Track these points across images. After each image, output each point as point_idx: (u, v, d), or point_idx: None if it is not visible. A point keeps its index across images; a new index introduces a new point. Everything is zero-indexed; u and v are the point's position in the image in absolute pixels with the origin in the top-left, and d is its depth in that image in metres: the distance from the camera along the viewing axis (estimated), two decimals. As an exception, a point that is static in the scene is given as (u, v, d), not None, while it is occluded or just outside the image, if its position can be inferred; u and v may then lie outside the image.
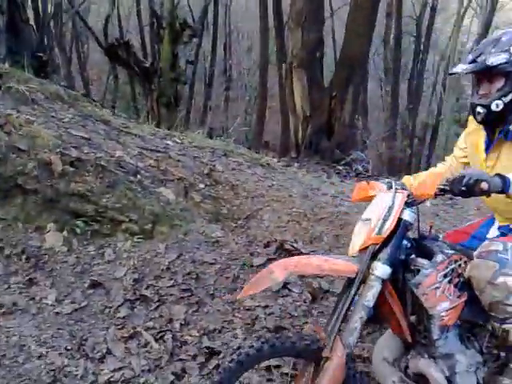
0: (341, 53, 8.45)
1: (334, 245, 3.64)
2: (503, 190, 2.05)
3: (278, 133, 12.42)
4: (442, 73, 18.79)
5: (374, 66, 19.50)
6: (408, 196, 2.11)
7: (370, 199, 2.29)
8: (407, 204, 2.10)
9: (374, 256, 2.03)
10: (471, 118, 2.49)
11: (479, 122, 2.35)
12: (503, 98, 2.22)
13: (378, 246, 2.03)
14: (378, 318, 2.16)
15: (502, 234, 2.44)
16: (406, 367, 2.25)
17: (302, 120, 7.79)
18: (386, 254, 2.03)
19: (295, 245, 3.55)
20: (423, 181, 2.19)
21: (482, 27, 16.97)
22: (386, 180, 2.42)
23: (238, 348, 2.66)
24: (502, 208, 2.39)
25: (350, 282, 2.05)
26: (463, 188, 1.98)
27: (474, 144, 2.48)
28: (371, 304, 2.00)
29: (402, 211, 2.06)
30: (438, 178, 2.12)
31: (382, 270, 2.01)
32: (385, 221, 2.04)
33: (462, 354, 2.16)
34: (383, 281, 2.02)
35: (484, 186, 1.99)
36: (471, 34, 20.50)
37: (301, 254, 3.50)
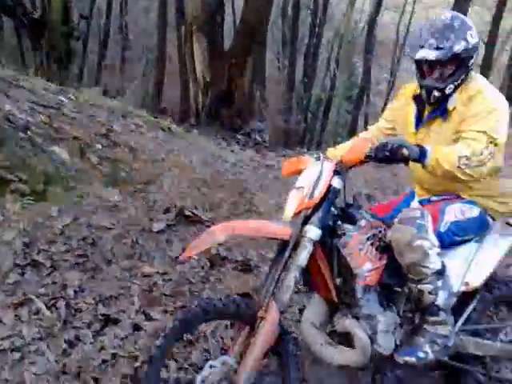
0: (240, 20, 8.38)
1: (233, 212, 3.66)
2: (420, 159, 2.22)
3: (177, 98, 12.14)
4: (336, 49, 19.30)
5: (272, 38, 19.61)
6: (336, 164, 2.23)
7: (298, 172, 2.41)
8: (335, 172, 2.23)
9: (306, 220, 2.15)
10: (400, 93, 2.67)
11: (430, 104, 2.48)
12: (455, 82, 2.39)
13: (309, 211, 2.15)
14: (307, 281, 2.33)
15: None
16: (332, 331, 2.40)
17: (202, 86, 7.67)
18: (317, 217, 2.15)
19: (195, 211, 3.53)
20: (353, 146, 2.30)
21: (373, 6, 17.60)
22: (315, 154, 2.53)
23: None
24: (426, 179, 2.53)
25: (283, 246, 2.16)
26: (387, 153, 2.15)
27: (404, 119, 2.63)
28: (304, 264, 2.12)
29: (331, 178, 2.20)
30: (367, 143, 2.24)
31: (313, 232, 2.13)
32: (316, 187, 2.18)
33: (382, 316, 2.34)
34: (314, 243, 2.14)
35: (405, 152, 2.16)
36: (363, 14, 21.18)
37: (200, 220, 3.50)
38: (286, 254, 2.12)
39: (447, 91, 2.40)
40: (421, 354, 2.36)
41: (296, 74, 18.07)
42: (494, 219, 2.57)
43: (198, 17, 8.10)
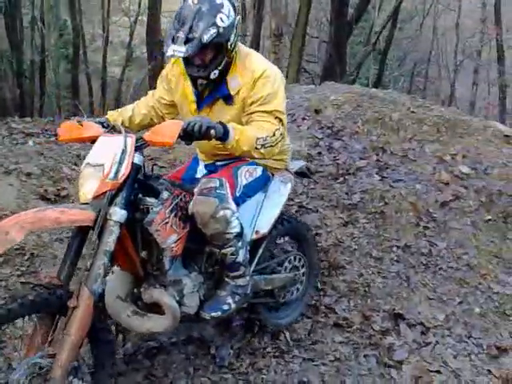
0: None
1: None
2: (223, 138, 2.21)
3: None
4: (38, 7, 17.76)
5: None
6: (137, 140, 2.13)
7: (82, 140, 2.27)
8: (136, 148, 2.11)
9: (110, 201, 2.06)
10: (173, 68, 2.61)
11: (203, 89, 2.49)
12: (218, 67, 2.36)
13: (114, 192, 2.06)
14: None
15: (210, 172, 2.67)
16: (137, 299, 2.38)
17: None
18: (121, 198, 2.08)
19: None
20: (162, 128, 2.15)
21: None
22: (98, 119, 2.42)
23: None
24: (207, 147, 2.59)
25: (80, 229, 2.05)
26: (195, 134, 2.10)
27: (182, 92, 2.57)
28: (112, 248, 2.05)
29: (133, 155, 2.08)
30: (177, 126, 2.10)
31: (119, 214, 2.06)
32: (120, 166, 2.06)
33: (187, 278, 2.38)
34: (121, 225, 2.07)
35: (213, 132, 2.14)
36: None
37: None
38: (94, 239, 2.06)
39: (212, 77, 2.37)
40: (225, 307, 2.51)
41: (3, 39, 16.18)
42: (272, 175, 2.79)
43: None
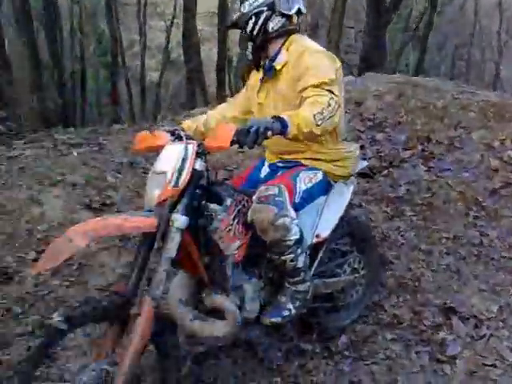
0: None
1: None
2: (282, 132, 2.18)
3: None
4: (77, 17, 18.19)
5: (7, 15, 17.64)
6: (198, 146, 2.14)
7: (155, 149, 2.28)
8: (197, 154, 2.13)
9: (171, 208, 2.08)
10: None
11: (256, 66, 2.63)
12: (247, 49, 2.56)
13: (175, 198, 2.08)
14: (173, 262, 2.18)
15: (272, 171, 2.70)
16: (199, 303, 2.40)
17: None
18: (183, 204, 2.10)
19: None
20: (217, 133, 2.15)
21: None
22: (169, 128, 2.45)
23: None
24: (275, 142, 2.54)
25: (145, 236, 2.07)
26: (253, 138, 2.07)
27: (252, 83, 2.72)
28: (174, 255, 2.06)
29: (194, 162, 2.09)
30: (232, 130, 2.09)
31: (180, 221, 2.07)
32: (180, 173, 2.08)
33: (248, 284, 2.39)
34: (182, 231, 2.08)
35: (269, 134, 2.11)
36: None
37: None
38: (156, 246, 2.04)
39: (249, 57, 2.57)
40: (285, 313, 2.48)
41: (44, 50, 16.64)
42: (335, 181, 2.72)
43: None
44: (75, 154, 4.38)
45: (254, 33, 2.53)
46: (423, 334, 3.12)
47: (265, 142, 2.52)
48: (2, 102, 7.90)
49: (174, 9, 18.44)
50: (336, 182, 2.75)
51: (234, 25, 2.63)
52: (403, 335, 3.12)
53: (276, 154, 2.75)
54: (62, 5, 17.96)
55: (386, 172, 4.31)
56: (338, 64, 2.54)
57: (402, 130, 4.77)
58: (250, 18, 2.51)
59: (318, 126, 2.24)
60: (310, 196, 2.59)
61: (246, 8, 2.51)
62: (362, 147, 4.53)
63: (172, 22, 18.78)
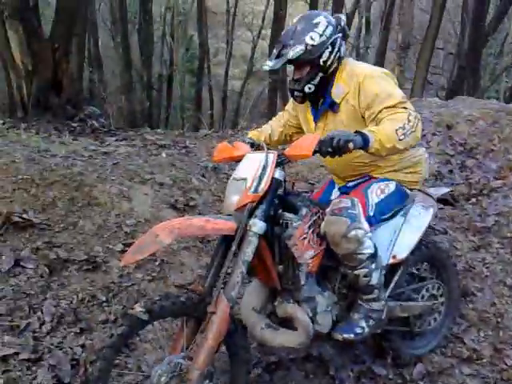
0: (57, 2, 7.72)
1: (70, 209, 3.38)
2: (364, 147, 2.20)
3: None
4: (169, 23, 18.84)
5: (101, 16, 18.60)
6: (278, 156, 2.22)
7: (233, 159, 2.39)
8: (277, 164, 2.21)
9: (250, 213, 2.14)
10: None
11: (300, 103, 2.58)
12: (312, 82, 2.44)
13: (254, 204, 2.14)
14: (248, 270, 2.23)
15: (342, 194, 2.69)
16: (271, 313, 2.43)
17: (24, 76, 6.99)
18: (261, 210, 2.16)
19: (25, 216, 3.19)
20: (300, 142, 2.23)
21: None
22: (247, 139, 2.62)
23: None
24: (340, 169, 2.65)
25: (223, 239, 2.17)
26: (334, 148, 2.12)
27: (304, 115, 2.69)
28: (250, 259, 2.12)
29: (274, 171, 2.18)
30: (316, 139, 2.17)
31: (258, 226, 2.13)
32: (260, 180, 2.14)
33: (320, 296, 2.39)
34: (259, 236, 2.14)
35: (351, 145, 2.14)
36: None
37: (33, 224, 3.17)
38: (233, 248, 2.09)
39: (306, 91, 2.47)
40: (358, 330, 2.46)
41: (134, 53, 17.39)
42: (410, 189, 2.70)
43: (9, 1, 7.27)
44: (164, 155, 4.54)
45: (329, 62, 2.46)
46: (503, 372, 2.98)
47: (328, 169, 2.67)
48: (96, 100, 8.28)
49: (263, 20, 18.69)
50: (412, 190, 2.71)
51: (290, 62, 2.47)
52: (482, 372, 2.98)
53: (343, 179, 2.74)
54: (155, 10, 18.70)
55: (474, 200, 4.16)
56: (395, 78, 2.54)
57: (494, 158, 4.59)
58: (327, 48, 2.43)
59: (400, 140, 2.24)
60: (384, 208, 2.55)
61: (316, 40, 2.40)
62: (450, 172, 4.41)
63: (260, 33, 19.05)
